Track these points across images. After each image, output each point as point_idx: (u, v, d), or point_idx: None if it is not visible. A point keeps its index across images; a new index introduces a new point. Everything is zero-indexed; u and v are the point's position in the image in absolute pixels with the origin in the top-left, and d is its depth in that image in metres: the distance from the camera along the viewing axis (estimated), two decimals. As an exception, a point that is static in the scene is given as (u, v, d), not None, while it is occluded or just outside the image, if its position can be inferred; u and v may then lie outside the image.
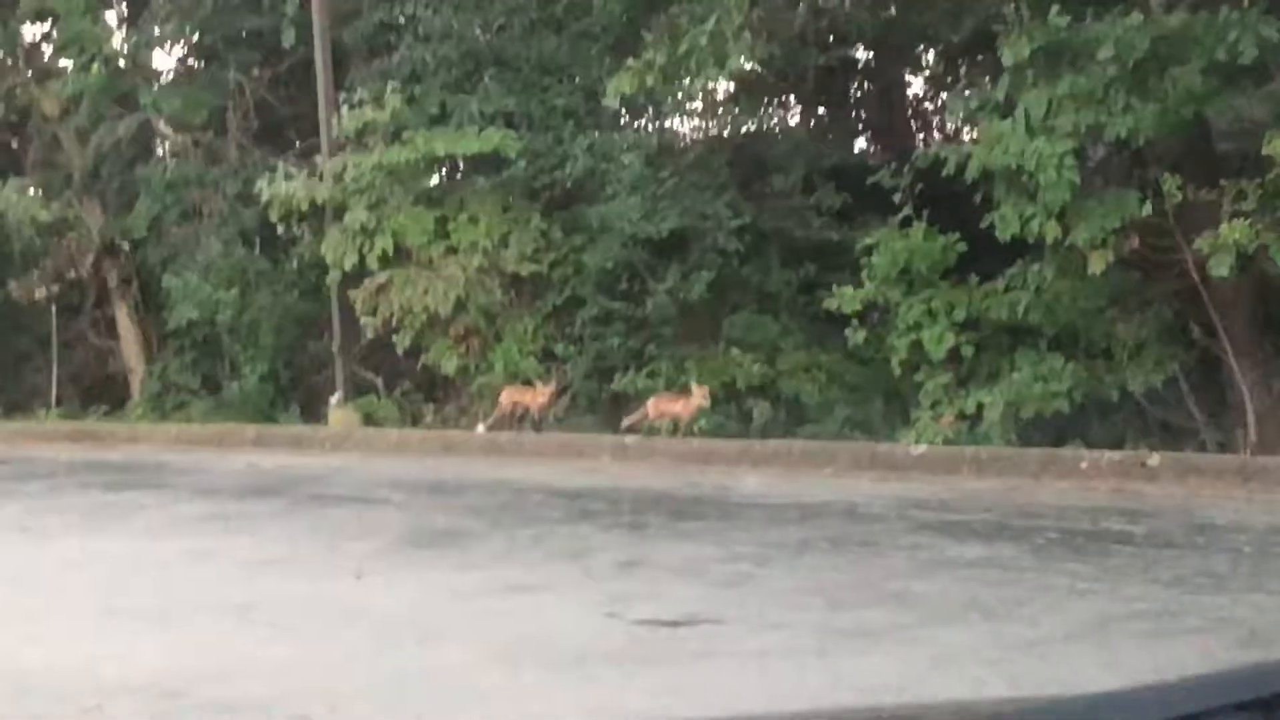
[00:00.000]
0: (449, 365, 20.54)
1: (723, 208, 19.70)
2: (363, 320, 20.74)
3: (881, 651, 8.13)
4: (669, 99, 19.99)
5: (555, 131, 20.64)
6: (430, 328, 20.48)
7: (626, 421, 18.01)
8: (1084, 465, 15.00)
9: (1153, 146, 15.83)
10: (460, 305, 20.28)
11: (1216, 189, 15.35)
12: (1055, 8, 15.77)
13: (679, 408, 17.67)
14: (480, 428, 19.13)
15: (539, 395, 18.75)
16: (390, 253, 20.51)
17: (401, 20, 21.95)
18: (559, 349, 20.15)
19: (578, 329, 20.17)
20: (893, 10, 21.29)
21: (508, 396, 18.87)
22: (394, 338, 20.58)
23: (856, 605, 9.48)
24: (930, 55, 23.05)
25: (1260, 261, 15.02)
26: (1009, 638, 8.30)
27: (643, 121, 21.00)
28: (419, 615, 9.55)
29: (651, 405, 17.83)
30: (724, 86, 21.36)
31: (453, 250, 20.46)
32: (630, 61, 18.18)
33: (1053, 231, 15.71)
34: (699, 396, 17.53)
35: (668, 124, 21.29)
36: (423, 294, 20.29)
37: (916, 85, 23.23)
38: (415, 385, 21.18)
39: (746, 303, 19.63)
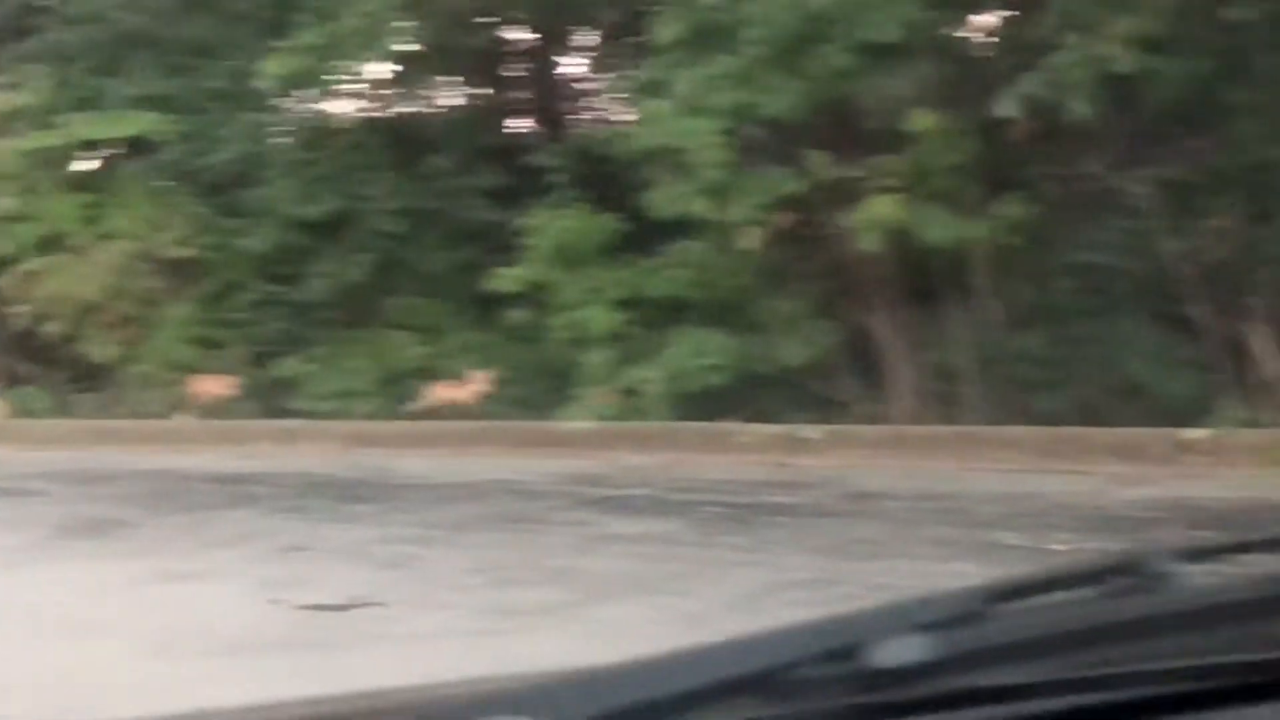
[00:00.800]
0: (104, 353, 20.13)
1: (382, 189, 19.62)
2: (12, 309, 20.24)
3: (545, 629, 8.21)
4: (325, 81, 19.79)
5: (207, 114, 20.34)
6: (84, 315, 20.04)
7: (410, 407, 17.67)
8: (743, 439, 15.27)
9: (803, 125, 16.09)
10: (114, 292, 19.90)
11: (864, 165, 15.73)
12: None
13: (460, 393, 17.43)
14: None
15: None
16: (40, 240, 20.03)
17: (48, 2, 21.41)
18: (216, 334, 19.88)
19: (236, 314, 19.92)
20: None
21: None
22: (45, 327, 20.08)
23: (520, 583, 9.56)
24: (589, 35, 23.14)
25: (907, 237, 15.41)
26: (670, 611, 8.42)
27: (298, 103, 20.74)
28: (73, 608, 9.38)
29: (436, 391, 17.56)
30: (382, 67, 21.24)
31: (105, 236, 20.06)
32: (283, 42, 18.02)
33: (707, 209, 15.92)
34: (479, 381, 17.31)
35: (325, 106, 21.06)
36: (74, 281, 19.86)
37: (576, 65, 23.31)
38: (70, 375, 20.70)
39: (408, 284, 19.56)
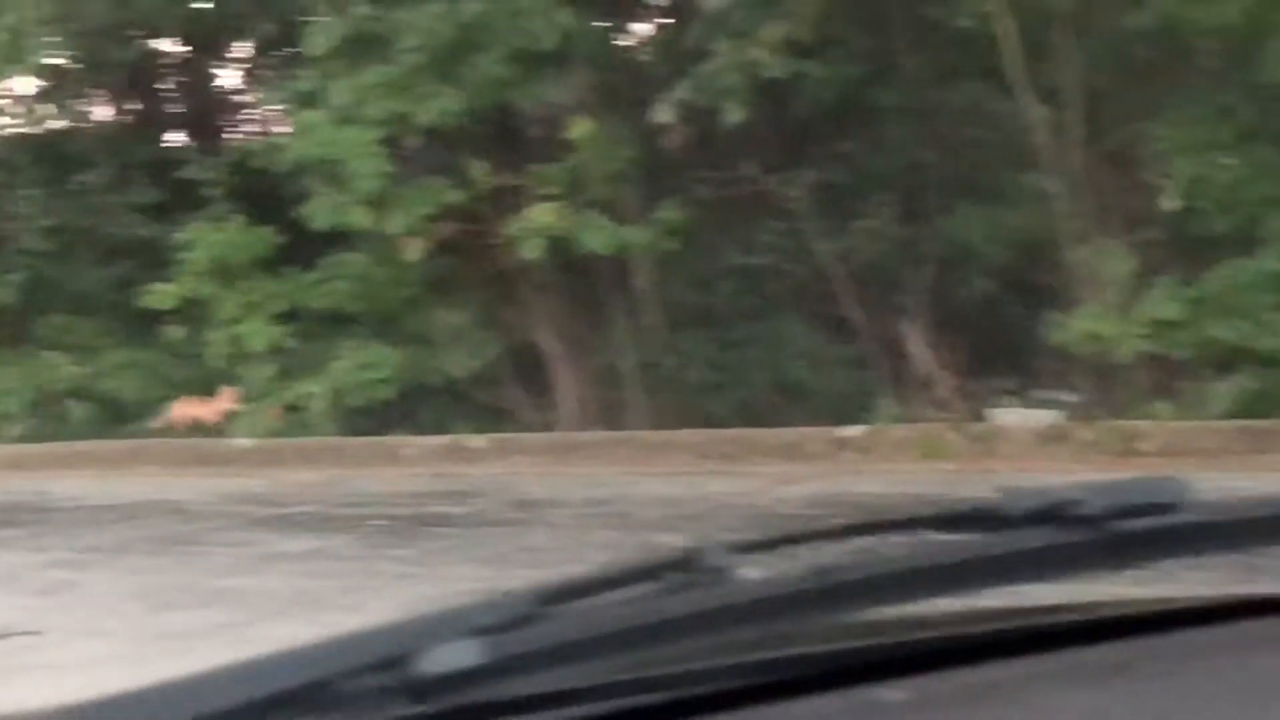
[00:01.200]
0: None
1: (31, 207, 19.18)
2: None
3: (206, 652, 8.07)
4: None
5: None
6: None
7: (156, 424, 16.98)
8: (409, 451, 15.25)
9: (462, 133, 16.11)
10: None
11: (524, 173, 15.81)
12: (358, -4, 15.96)
13: (205, 411, 16.86)
14: None
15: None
16: None
17: None
18: None
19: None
20: (204, 4, 21.08)
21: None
22: None
23: (181, 607, 9.41)
24: (244, 47, 22.87)
25: (569, 245, 15.51)
26: (335, 627, 8.34)
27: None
28: None
29: (176, 409, 16.92)
30: (28, 82, 20.76)
31: None
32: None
33: (367, 220, 15.85)
34: (226, 399, 16.77)
35: (-30, 123, 20.53)
36: None
37: (231, 77, 23.01)
38: None
39: (60, 303, 19.13)
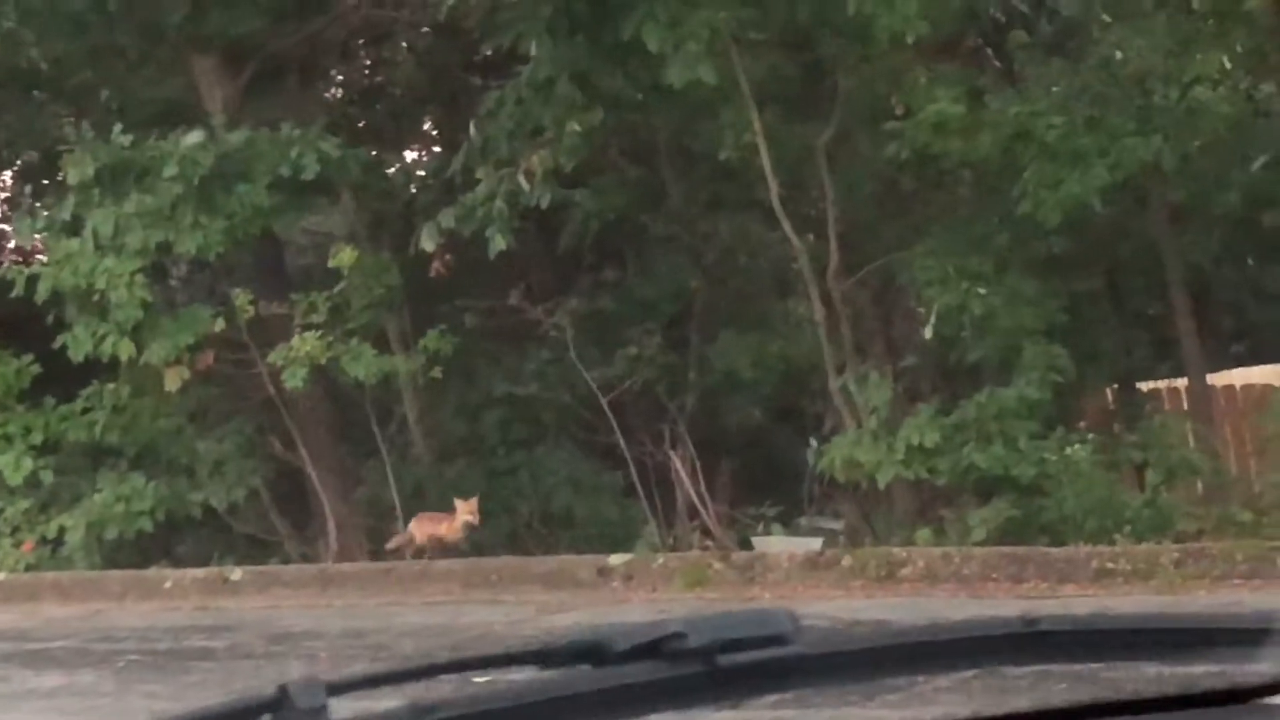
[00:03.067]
0: None
1: None
2: None
3: None
4: None
5: None
6: None
7: (391, 545, 16.03)
8: (167, 585, 15.02)
9: (226, 262, 16.01)
10: None
11: (288, 303, 15.71)
12: (118, 127, 15.79)
13: (443, 529, 15.72)
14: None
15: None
16: None
17: None
18: None
19: None
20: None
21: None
22: None
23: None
24: (4, 175, 22.60)
25: (333, 372, 15.42)
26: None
27: None
28: None
29: (415, 526, 15.65)
30: None
31: None
32: None
33: (127, 349, 15.62)
34: (464, 512, 15.66)
35: None
36: None
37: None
38: None
39: None
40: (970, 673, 1.73)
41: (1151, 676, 1.66)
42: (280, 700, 1.40)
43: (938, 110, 13.85)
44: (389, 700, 1.47)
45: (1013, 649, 1.65)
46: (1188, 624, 1.70)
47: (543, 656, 1.57)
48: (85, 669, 11.66)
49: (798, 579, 13.09)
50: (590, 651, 1.52)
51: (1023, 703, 1.66)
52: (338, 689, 1.43)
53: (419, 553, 14.95)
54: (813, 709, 1.55)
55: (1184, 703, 1.62)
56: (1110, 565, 12.29)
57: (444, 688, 1.53)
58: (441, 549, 14.99)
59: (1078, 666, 1.68)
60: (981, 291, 14.07)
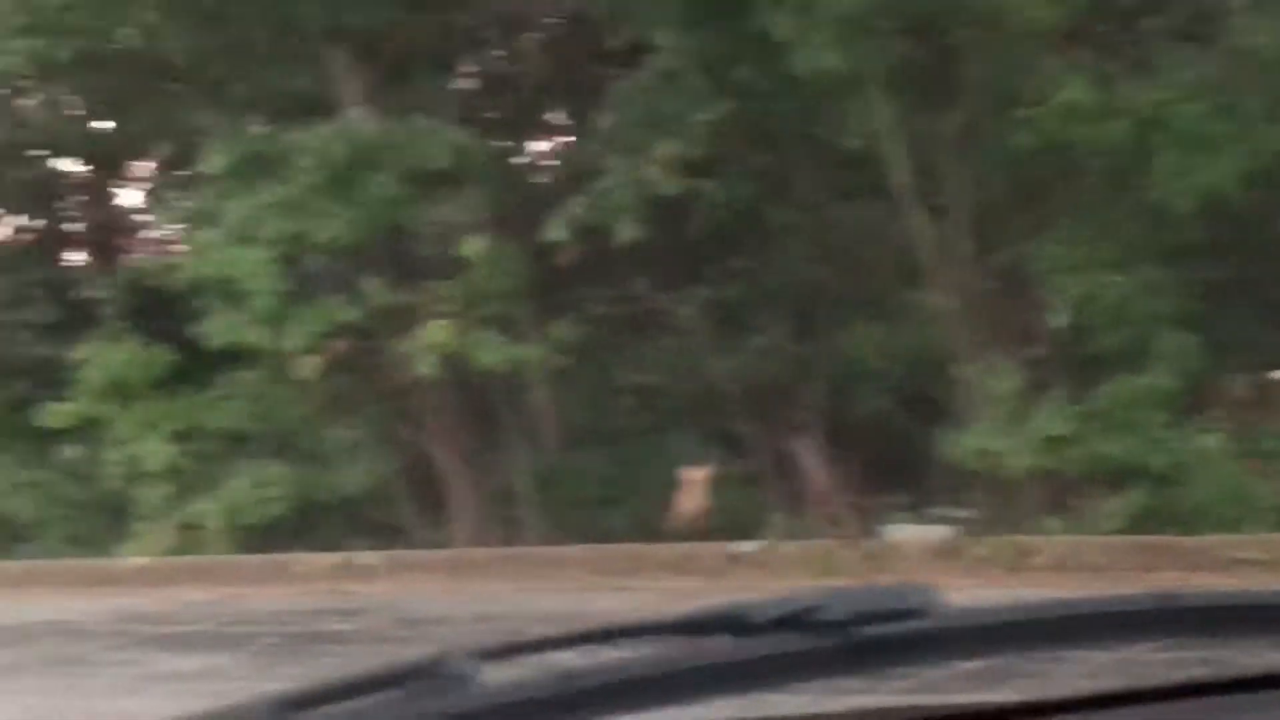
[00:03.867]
0: None
1: (-76, 325, 19.09)
2: None
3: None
4: None
5: None
6: None
7: (678, 510, 15.42)
8: (302, 569, 15.15)
9: (357, 251, 16.12)
10: None
11: (419, 291, 15.82)
12: (254, 118, 15.97)
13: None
14: None
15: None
16: None
17: None
18: None
19: None
20: (105, 124, 21.12)
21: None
22: None
23: (66, 729, 9.33)
24: (144, 166, 22.88)
25: (462, 360, 15.51)
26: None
27: None
28: None
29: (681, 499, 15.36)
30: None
31: None
32: None
33: (262, 338, 15.82)
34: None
35: None
36: None
37: (131, 196, 23.00)
38: None
39: (-47, 423, 19.01)
40: (1107, 650, 1.72)
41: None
42: (434, 666, 1.42)
43: (1068, 97, 13.75)
44: (538, 668, 1.49)
45: (1152, 626, 1.65)
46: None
47: (685, 626, 1.58)
48: (221, 652, 11.77)
49: (926, 567, 13.03)
50: (731, 622, 1.53)
51: (1159, 679, 1.65)
52: (489, 656, 1.45)
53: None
54: (948, 684, 1.54)
55: None
56: (1242, 555, 12.18)
57: (589, 657, 1.55)
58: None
59: (1216, 645, 1.67)
60: (1113, 280, 13.97)
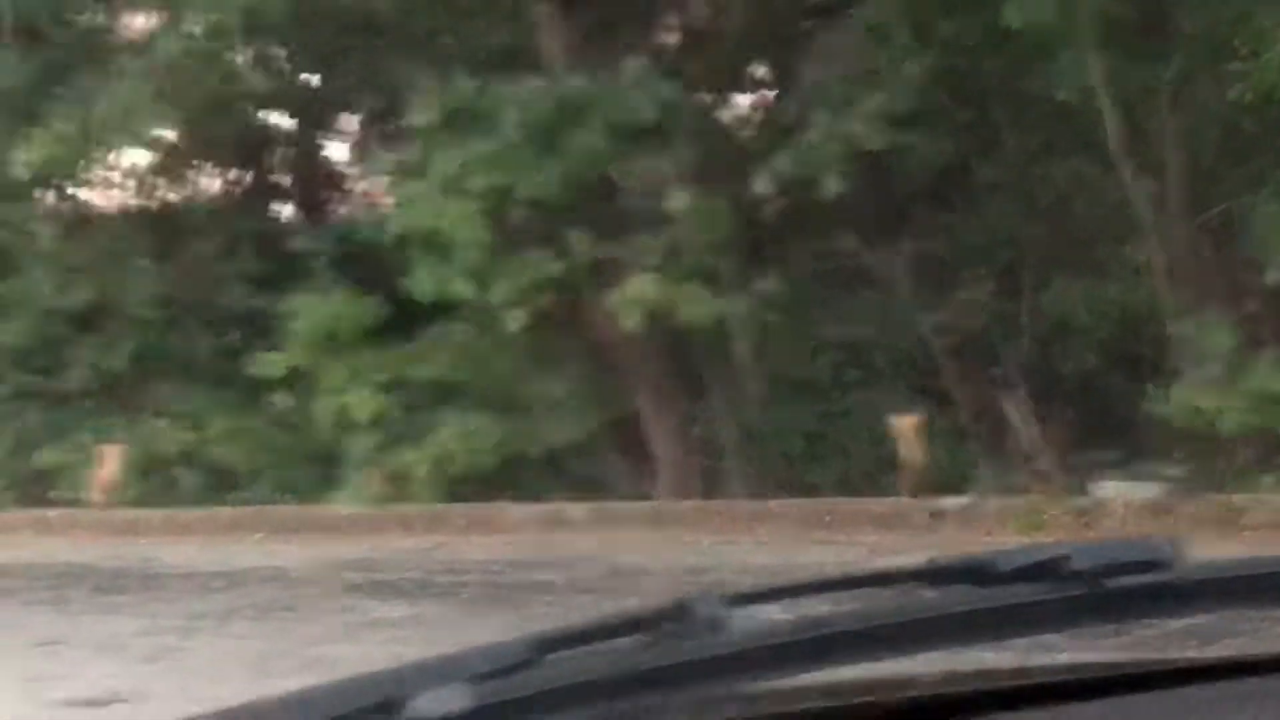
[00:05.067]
0: None
1: (141, 278, 19.45)
2: None
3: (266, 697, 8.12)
4: (82, 170, 19.60)
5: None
6: None
7: None
8: (508, 519, 15.31)
9: (564, 206, 16.21)
10: None
11: (624, 245, 15.89)
12: (459, 71, 16.11)
13: None
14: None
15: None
16: None
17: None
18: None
19: (-6, 406, 19.64)
20: (312, 78, 21.40)
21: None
22: None
23: (280, 673, 9.48)
24: (351, 120, 23.15)
25: (668, 315, 15.56)
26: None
27: (54, 194, 20.48)
28: None
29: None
30: (140, 155, 21.09)
31: None
32: (37, 130, 17.83)
33: (469, 291, 15.98)
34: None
35: (83, 194, 20.84)
36: None
37: (338, 150, 23.30)
38: None
39: (171, 371, 19.37)
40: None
41: None
42: (682, 610, 1.45)
43: (1285, 50, 13.54)
44: (784, 613, 1.52)
45: None
46: None
47: (928, 575, 1.61)
48: (429, 600, 11.94)
49: (1135, 525, 12.90)
50: (976, 571, 1.55)
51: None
52: (736, 601, 1.48)
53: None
54: (1196, 635, 1.56)
55: None
56: None
57: (834, 604, 1.58)
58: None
59: None
60: (1327, 236, 13.75)
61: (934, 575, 1.61)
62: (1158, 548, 1.57)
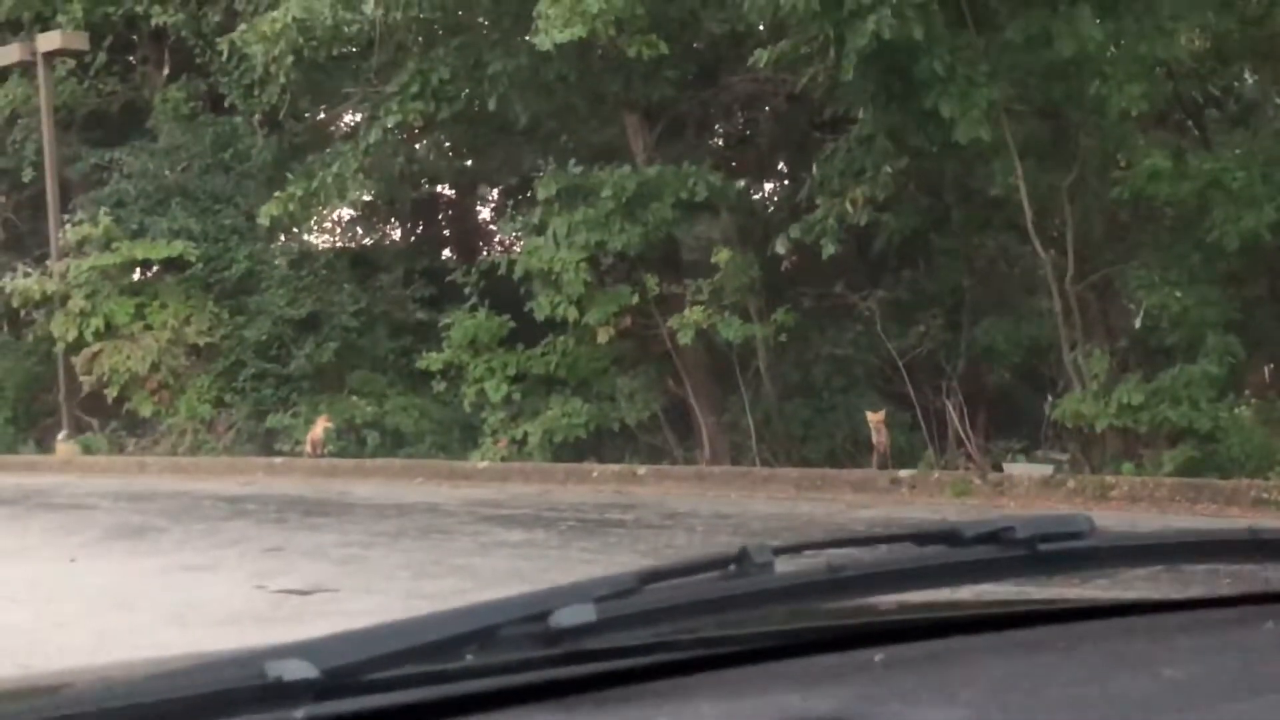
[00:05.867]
0: (146, 410, 19.90)
1: (345, 297, 19.57)
2: (82, 378, 19.96)
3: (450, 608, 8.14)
4: (307, 220, 19.74)
5: (224, 243, 20.20)
6: (132, 383, 19.80)
7: None
8: (594, 474, 15.30)
9: (640, 256, 16.22)
10: (154, 367, 19.70)
11: (682, 285, 15.89)
12: (571, 160, 16.15)
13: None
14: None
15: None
16: (102, 329, 19.80)
17: (109, 161, 21.23)
18: (227, 398, 19.70)
19: (240, 383, 19.73)
20: (468, 162, 21.49)
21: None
22: (105, 391, 19.82)
23: (434, 576, 9.49)
24: (493, 191, 23.24)
25: (711, 335, 15.57)
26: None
27: (287, 236, 20.61)
28: (117, 589, 9.23)
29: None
30: (347, 212, 21.24)
31: (149, 327, 19.87)
32: (277, 193, 17.95)
33: (572, 314, 16.00)
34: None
35: (307, 237, 20.99)
36: (126, 359, 19.65)
37: (484, 212, 23.41)
38: (121, 425, 20.39)
39: (363, 364, 19.47)
40: (1206, 566, 1.69)
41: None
42: (741, 556, 1.44)
43: (1151, 164, 13.40)
44: (816, 561, 1.51)
45: (1246, 550, 1.63)
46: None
47: (914, 537, 1.59)
48: (538, 529, 11.91)
49: (1034, 495, 12.80)
50: (948, 536, 1.54)
51: (1256, 588, 1.63)
52: (781, 550, 1.47)
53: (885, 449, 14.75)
54: (1104, 587, 1.55)
55: None
56: (1265, 495, 11.78)
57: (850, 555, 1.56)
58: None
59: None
60: (1178, 295, 13.60)
61: (920, 537, 1.59)
62: (1080, 521, 1.56)
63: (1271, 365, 15.54)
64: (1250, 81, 15.70)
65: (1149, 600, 1.64)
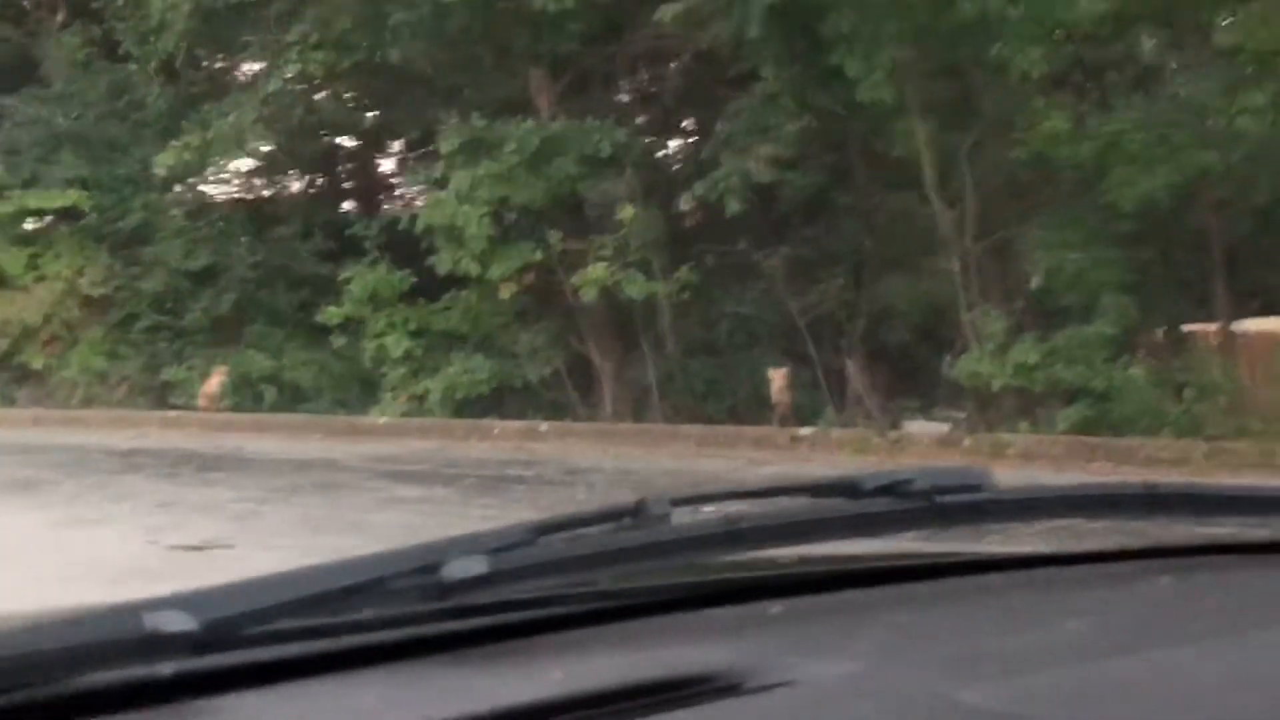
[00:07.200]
0: (38, 363, 19.54)
1: (243, 249, 19.32)
2: (-28, 331, 19.60)
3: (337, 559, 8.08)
4: (204, 170, 19.45)
5: (119, 193, 19.82)
6: (24, 336, 19.44)
7: None
8: (496, 431, 15.28)
9: (545, 211, 16.14)
10: (47, 319, 19.36)
11: (586, 241, 15.84)
12: (475, 114, 16.01)
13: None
14: None
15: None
16: (-5, 280, 19.46)
17: (1, 108, 20.75)
18: (121, 350, 19.39)
19: (135, 336, 19.43)
20: (370, 114, 21.24)
21: None
22: (-4, 342, 19.47)
23: (330, 532, 9.47)
24: (396, 144, 22.99)
25: (614, 292, 15.54)
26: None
27: (184, 187, 20.25)
28: (4, 543, 9.07)
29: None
30: (246, 164, 20.90)
31: (41, 278, 19.50)
32: (173, 143, 17.66)
33: (475, 269, 15.90)
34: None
35: (204, 189, 20.64)
36: (18, 310, 19.30)
37: (386, 165, 23.15)
38: (13, 377, 20.00)
39: (260, 317, 19.23)
40: (1103, 522, 1.70)
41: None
42: (638, 509, 1.42)
43: (1051, 126, 13.56)
44: (714, 514, 1.49)
45: (1142, 506, 1.64)
46: (1266, 494, 1.67)
47: (814, 489, 1.58)
48: (438, 485, 11.90)
49: (932, 452, 12.96)
50: (848, 487, 1.53)
51: (1147, 542, 1.64)
52: (678, 502, 1.45)
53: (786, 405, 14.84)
54: (1001, 541, 1.55)
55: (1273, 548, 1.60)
56: (1156, 455, 12.02)
57: (748, 507, 1.55)
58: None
59: (1190, 522, 1.66)
60: (1074, 256, 13.77)
61: (818, 489, 1.58)
62: (977, 474, 1.55)
63: (1165, 326, 15.76)
64: (1149, 46, 15.89)
65: (1047, 554, 1.64)
